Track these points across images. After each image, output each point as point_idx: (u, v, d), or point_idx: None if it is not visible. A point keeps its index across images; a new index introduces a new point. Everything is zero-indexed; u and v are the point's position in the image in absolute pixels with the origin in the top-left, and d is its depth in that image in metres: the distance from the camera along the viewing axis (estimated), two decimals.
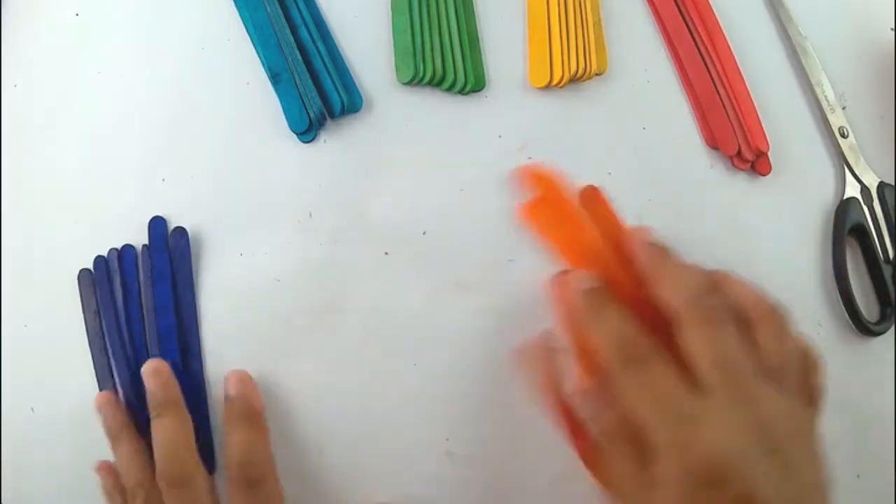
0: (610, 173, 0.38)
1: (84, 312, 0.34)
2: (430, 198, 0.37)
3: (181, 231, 0.34)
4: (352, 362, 0.35)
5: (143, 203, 0.35)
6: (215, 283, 0.35)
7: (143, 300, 0.34)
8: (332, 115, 0.36)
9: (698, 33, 0.40)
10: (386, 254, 0.36)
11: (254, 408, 0.32)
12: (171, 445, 0.30)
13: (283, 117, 0.36)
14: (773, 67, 0.42)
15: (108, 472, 0.32)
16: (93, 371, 0.33)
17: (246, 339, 0.34)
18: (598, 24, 0.40)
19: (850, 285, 0.39)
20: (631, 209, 0.38)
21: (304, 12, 0.37)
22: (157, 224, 0.34)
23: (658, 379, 0.26)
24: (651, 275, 0.29)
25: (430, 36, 0.38)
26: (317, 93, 0.36)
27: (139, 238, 0.35)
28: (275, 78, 0.36)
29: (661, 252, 0.30)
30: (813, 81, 0.41)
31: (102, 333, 0.33)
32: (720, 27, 0.41)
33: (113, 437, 0.32)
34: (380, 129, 0.37)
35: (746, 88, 0.40)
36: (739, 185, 0.40)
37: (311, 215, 0.36)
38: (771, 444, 0.24)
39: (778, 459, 0.23)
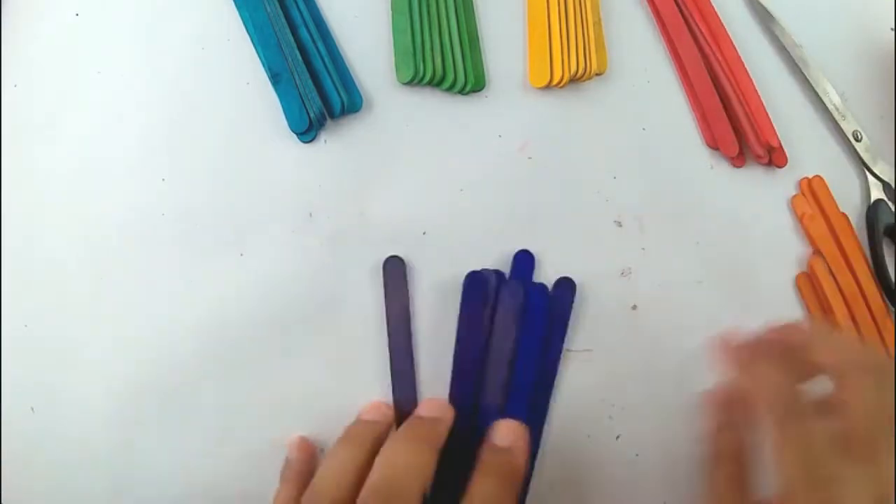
0: (610, 173, 0.38)
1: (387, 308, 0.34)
2: (430, 198, 0.37)
3: (567, 281, 0.34)
4: (352, 362, 0.35)
5: (143, 203, 0.35)
6: (216, 283, 0.35)
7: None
8: (332, 115, 0.36)
9: (700, 33, 0.40)
10: (386, 254, 0.36)
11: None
12: (406, 471, 0.27)
13: (283, 117, 0.36)
14: (778, 81, 0.42)
15: (301, 458, 0.31)
16: (91, 370, 0.33)
17: (246, 339, 0.34)
18: (598, 24, 0.40)
19: (892, 283, 0.39)
20: (631, 209, 0.38)
21: (304, 12, 0.37)
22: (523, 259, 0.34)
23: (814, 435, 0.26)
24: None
25: (430, 36, 0.38)
26: (317, 93, 0.36)
27: (140, 237, 0.35)
28: (275, 78, 0.36)
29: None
30: (819, 92, 0.41)
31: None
32: (723, 25, 0.41)
33: (342, 439, 0.30)
34: (380, 129, 0.37)
35: (753, 85, 0.40)
36: (740, 186, 0.40)
37: (311, 215, 0.36)
38: None
39: None
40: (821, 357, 0.28)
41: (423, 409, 0.31)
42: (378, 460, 0.28)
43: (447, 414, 0.31)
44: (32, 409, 0.34)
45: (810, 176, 0.40)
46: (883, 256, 0.39)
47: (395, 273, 0.34)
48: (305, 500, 0.28)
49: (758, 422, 0.28)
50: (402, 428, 0.30)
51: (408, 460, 0.28)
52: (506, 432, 0.30)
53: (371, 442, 0.30)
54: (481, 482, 0.28)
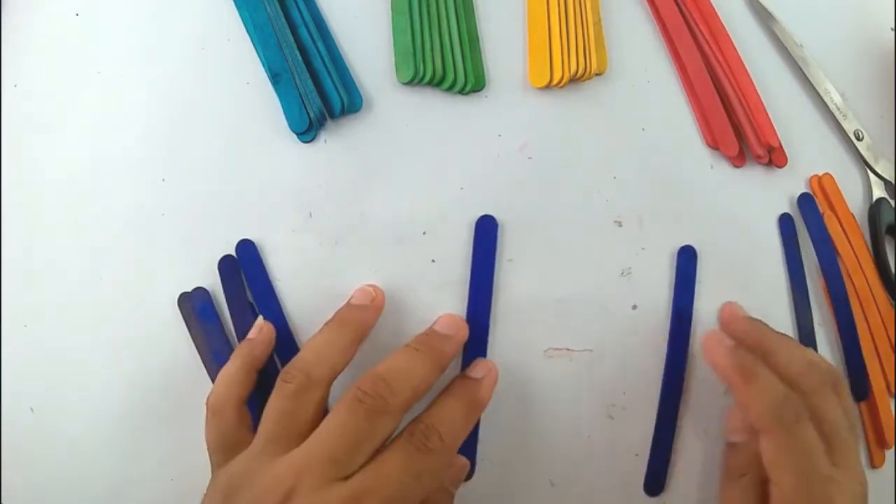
0: (610, 173, 0.38)
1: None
2: (430, 198, 0.37)
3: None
4: (351, 363, 0.35)
5: (143, 203, 0.35)
6: (216, 283, 0.35)
7: None
8: (332, 115, 0.36)
9: (700, 33, 0.40)
10: (386, 254, 0.36)
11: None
12: (405, 376, 0.29)
13: (283, 117, 0.36)
14: (778, 81, 0.42)
15: (260, 339, 0.32)
16: (91, 370, 0.34)
17: None
18: (598, 24, 0.40)
19: (894, 281, 0.39)
20: (631, 209, 0.38)
21: (304, 12, 0.37)
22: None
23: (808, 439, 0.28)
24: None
25: (430, 36, 0.37)
26: (317, 93, 0.36)
27: (140, 237, 0.35)
28: (275, 78, 0.36)
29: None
30: (820, 91, 0.41)
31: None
32: (723, 25, 0.41)
33: (329, 321, 0.32)
34: (380, 129, 0.37)
35: (753, 85, 0.40)
36: (741, 186, 0.40)
37: (311, 215, 0.36)
38: None
39: None
40: (789, 369, 0.30)
41: (438, 325, 0.33)
42: (384, 361, 0.30)
43: (460, 333, 0.32)
44: (32, 409, 0.34)
45: (813, 175, 0.40)
46: (886, 255, 0.39)
47: None
48: (283, 375, 0.29)
49: (757, 428, 0.29)
50: (413, 338, 0.32)
51: (411, 368, 0.29)
52: (480, 367, 0.32)
53: (357, 325, 0.32)
54: (445, 401, 0.30)
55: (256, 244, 0.35)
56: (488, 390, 0.31)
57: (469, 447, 0.34)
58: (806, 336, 0.38)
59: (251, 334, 0.33)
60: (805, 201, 0.39)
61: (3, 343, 0.34)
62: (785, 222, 0.39)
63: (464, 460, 0.33)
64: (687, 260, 0.37)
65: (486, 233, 0.36)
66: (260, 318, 0.34)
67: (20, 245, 0.35)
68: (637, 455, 0.36)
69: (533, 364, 0.36)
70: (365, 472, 0.26)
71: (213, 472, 0.30)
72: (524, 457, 0.35)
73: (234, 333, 0.34)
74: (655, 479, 0.35)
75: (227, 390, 0.30)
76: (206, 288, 0.34)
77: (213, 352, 0.34)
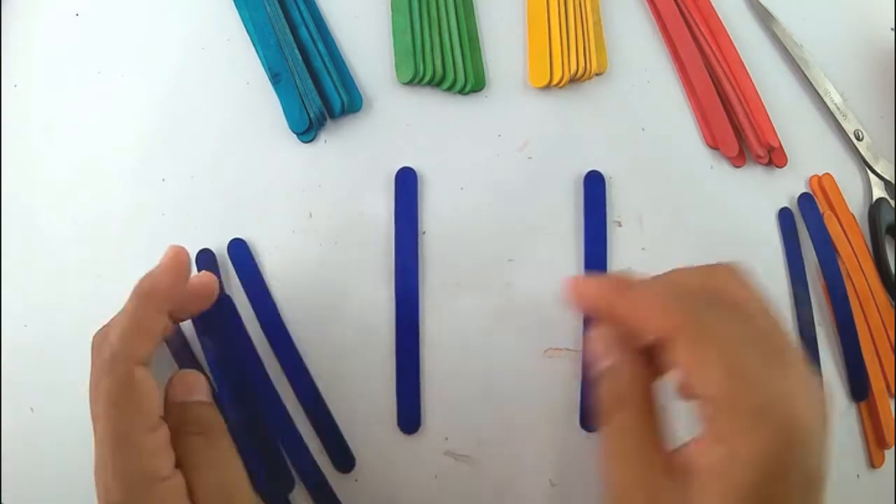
0: (610, 173, 0.38)
1: None
2: (431, 197, 0.37)
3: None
4: (352, 363, 0.35)
5: (143, 203, 0.35)
6: None
7: None
8: (332, 115, 0.36)
9: (700, 33, 0.40)
10: (386, 254, 0.36)
11: None
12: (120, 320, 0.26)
13: (283, 117, 0.36)
14: (778, 81, 0.42)
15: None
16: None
17: None
18: (598, 24, 0.40)
19: (894, 280, 0.39)
20: (631, 210, 0.38)
21: (304, 12, 0.37)
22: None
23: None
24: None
25: (430, 36, 0.38)
26: (317, 93, 0.36)
27: (139, 237, 0.35)
28: (275, 78, 0.36)
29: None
30: (821, 92, 0.41)
31: None
32: (723, 25, 0.41)
33: None
34: (380, 129, 0.37)
35: (753, 85, 0.40)
36: (741, 186, 0.40)
37: (311, 215, 0.36)
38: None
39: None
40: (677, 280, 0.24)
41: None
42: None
43: (165, 259, 0.27)
44: (32, 409, 0.34)
45: (813, 175, 0.40)
46: (886, 255, 0.39)
47: None
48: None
49: (658, 343, 0.23)
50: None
51: (123, 311, 0.27)
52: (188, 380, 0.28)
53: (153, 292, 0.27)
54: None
55: (256, 244, 0.35)
56: (159, 274, 0.27)
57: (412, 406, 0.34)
58: (807, 334, 0.38)
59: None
60: (805, 201, 0.39)
61: (3, 343, 0.34)
62: (785, 217, 0.39)
63: (192, 374, 0.29)
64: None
65: (406, 185, 0.36)
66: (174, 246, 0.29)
67: (20, 245, 0.35)
68: None
69: (533, 364, 0.36)
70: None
71: None
72: (524, 457, 0.35)
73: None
74: None
75: (121, 343, 0.25)
76: None
77: (176, 353, 0.33)
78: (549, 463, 0.35)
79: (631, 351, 0.24)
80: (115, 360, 0.25)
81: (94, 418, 0.26)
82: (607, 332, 0.25)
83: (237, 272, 0.35)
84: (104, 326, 0.27)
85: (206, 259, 0.34)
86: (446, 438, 0.34)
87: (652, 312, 0.23)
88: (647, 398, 0.24)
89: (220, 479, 0.26)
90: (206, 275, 0.31)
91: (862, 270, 0.39)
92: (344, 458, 0.33)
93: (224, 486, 0.26)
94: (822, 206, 0.39)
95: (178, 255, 0.28)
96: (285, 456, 0.32)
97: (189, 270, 0.28)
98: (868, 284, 0.39)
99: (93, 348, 0.27)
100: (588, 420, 0.35)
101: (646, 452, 0.23)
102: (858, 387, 0.38)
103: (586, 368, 0.35)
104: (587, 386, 0.35)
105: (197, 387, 0.28)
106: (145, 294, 0.26)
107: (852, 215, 0.40)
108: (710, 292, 0.23)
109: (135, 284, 0.27)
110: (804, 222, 0.39)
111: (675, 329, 0.22)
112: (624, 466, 0.23)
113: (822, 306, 0.39)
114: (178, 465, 0.25)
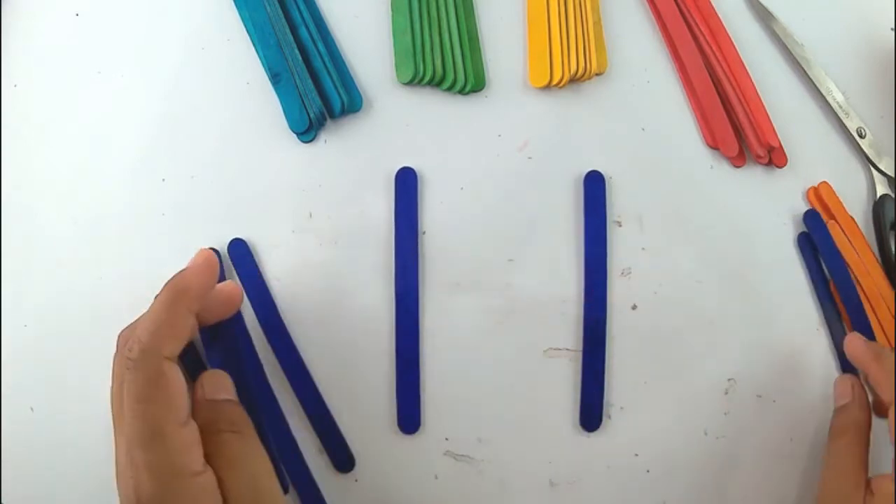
0: (610, 173, 0.38)
1: None
2: (431, 197, 0.37)
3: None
4: (352, 363, 0.35)
5: (143, 203, 0.35)
6: None
7: None
8: (332, 115, 0.36)
9: (700, 32, 0.40)
10: (386, 254, 0.36)
11: None
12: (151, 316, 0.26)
13: (283, 117, 0.36)
14: (780, 80, 0.42)
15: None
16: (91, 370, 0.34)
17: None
18: (598, 24, 0.40)
19: None
20: (631, 210, 0.38)
21: (304, 12, 0.37)
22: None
23: None
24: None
25: (430, 36, 0.38)
26: (317, 93, 0.36)
27: (139, 237, 0.35)
28: (275, 78, 0.36)
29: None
30: (823, 90, 0.41)
31: None
32: (723, 25, 0.41)
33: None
34: (380, 129, 0.37)
35: (753, 85, 0.40)
36: (741, 186, 0.40)
37: (311, 215, 0.36)
38: None
39: None
40: None
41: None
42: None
43: (197, 260, 0.28)
44: (32, 409, 0.34)
45: (815, 180, 0.40)
46: (891, 251, 0.39)
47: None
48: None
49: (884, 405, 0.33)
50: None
51: (151, 310, 0.26)
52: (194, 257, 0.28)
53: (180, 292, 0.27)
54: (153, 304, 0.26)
55: (256, 244, 0.35)
56: (192, 274, 0.27)
57: (412, 406, 0.34)
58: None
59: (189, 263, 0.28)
60: (810, 218, 0.39)
61: (3, 343, 0.34)
62: (802, 241, 0.39)
63: (220, 373, 0.29)
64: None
65: (406, 185, 0.36)
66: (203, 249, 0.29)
67: (20, 245, 0.35)
68: (637, 455, 0.36)
69: (533, 364, 0.36)
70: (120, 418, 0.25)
71: None
72: (524, 457, 0.35)
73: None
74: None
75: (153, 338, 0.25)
76: None
77: None
78: (549, 463, 0.35)
79: (865, 395, 0.34)
80: (145, 355, 0.25)
81: (116, 416, 0.26)
82: (852, 380, 0.35)
83: (237, 272, 0.35)
84: (130, 325, 0.27)
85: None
86: (446, 438, 0.34)
87: (887, 385, 0.31)
88: (866, 432, 0.33)
89: (252, 475, 0.26)
90: (231, 283, 0.31)
91: (869, 273, 0.39)
92: (344, 459, 0.33)
93: (255, 483, 0.26)
94: (823, 216, 0.39)
95: (209, 258, 0.28)
96: (278, 458, 0.32)
97: (218, 274, 0.28)
98: (877, 287, 0.39)
99: (118, 345, 0.27)
100: (588, 420, 0.35)
101: (855, 471, 0.31)
102: None
103: (586, 369, 0.35)
104: (587, 386, 0.35)
105: (226, 385, 0.28)
106: (179, 292, 0.26)
107: (853, 219, 0.40)
108: None
109: (166, 282, 0.27)
110: (813, 240, 0.39)
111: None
112: (838, 478, 0.32)
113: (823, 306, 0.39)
114: (208, 461, 0.25)
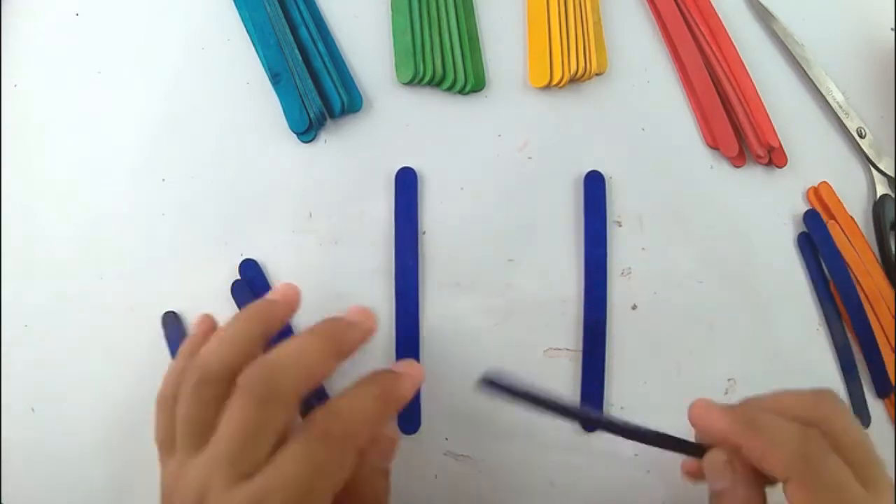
0: (609, 173, 0.38)
1: None
2: (431, 197, 0.37)
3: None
4: (350, 362, 0.35)
5: (143, 203, 0.35)
6: (216, 283, 0.35)
7: None
8: (332, 115, 0.36)
9: (700, 33, 0.40)
10: (386, 254, 0.36)
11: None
12: (294, 362, 0.25)
13: (283, 117, 0.36)
14: (780, 80, 0.42)
15: (201, 332, 0.28)
16: (91, 370, 0.34)
17: None
18: (598, 24, 0.40)
19: None
20: (631, 210, 0.38)
21: (304, 12, 0.37)
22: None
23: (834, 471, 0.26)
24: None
25: (430, 36, 0.37)
26: (317, 93, 0.36)
27: (139, 237, 0.35)
28: (275, 78, 0.36)
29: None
30: (823, 90, 0.41)
31: None
32: (723, 25, 0.41)
33: (238, 314, 0.27)
34: (380, 129, 0.37)
35: (753, 86, 0.40)
36: (741, 186, 0.40)
37: (311, 215, 0.36)
38: None
39: None
40: (795, 407, 0.27)
41: (347, 313, 0.29)
42: (278, 345, 0.26)
43: (367, 323, 0.28)
44: (32, 409, 0.34)
45: (815, 180, 0.40)
46: (891, 250, 0.39)
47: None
48: (190, 367, 0.26)
49: (770, 477, 0.26)
50: (316, 323, 0.28)
51: (303, 350, 0.26)
52: (405, 363, 0.29)
53: (266, 319, 0.28)
54: (354, 387, 0.27)
55: (256, 243, 0.35)
56: (407, 386, 0.27)
57: (412, 406, 0.34)
58: (843, 353, 0.38)
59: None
60: (810, 218, 0.39)
61: (3, 343, 0.34)
62: (802, 241, 0.39)
63: (391, 435, 0.29)
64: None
65: (406, 185, 0.36)
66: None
67: (20, 245, 0.35)
68: (637, 455, 0.36)
69: (533, 364, 0.36)
70: (266, 468, 0.24)
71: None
72: (524, 457, 0.35)
73: None
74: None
75: (301, 373, 0.25)
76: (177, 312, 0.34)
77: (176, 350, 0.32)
78: (549, 463, 0.35)
79: (749, 470, 0.27)
80: (348, 441, 0.24)
81: (196, 435, 0.25)
82: (725, 456, 0.27)
83: (237, 272, 0.35)
84: (268, 361, 0.25)
85: (249, 267, 0.35)
86: (446, 438, 0.34)
87: (778, 460, 0.26)
88: None
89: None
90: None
91: (869, 274, 0.39)
92: None
93: None
94: (823, 216, 0.39)
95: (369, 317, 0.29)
96: None
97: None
98: (877, 287, 0.39)
99: (254, 384, 0.24)
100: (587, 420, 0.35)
101: None
102: (881, 384, 0.38)
103: (586, 369, 0.35)
104: (587, 386, 0.35)
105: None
106: (394, 402, 0.27)
107: (853, 219, 0.40)
108: (821, 423, 0.27)
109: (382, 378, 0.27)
110: (814, 240, 0.39)
111: (795, 475, 0.25)
112: None
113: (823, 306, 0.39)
114: None
